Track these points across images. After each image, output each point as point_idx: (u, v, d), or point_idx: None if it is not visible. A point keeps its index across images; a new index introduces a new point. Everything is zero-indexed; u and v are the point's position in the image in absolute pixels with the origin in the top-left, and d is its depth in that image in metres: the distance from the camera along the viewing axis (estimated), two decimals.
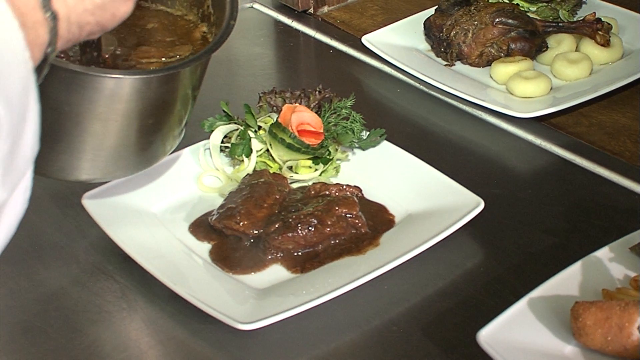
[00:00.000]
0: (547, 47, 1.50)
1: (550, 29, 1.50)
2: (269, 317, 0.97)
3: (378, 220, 1.14)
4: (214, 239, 1.13)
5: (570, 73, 1.44)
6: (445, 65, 1.53)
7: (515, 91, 1.41)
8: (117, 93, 0.94)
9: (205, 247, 1.13)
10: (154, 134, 1.02)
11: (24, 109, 0.61)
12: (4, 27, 0.61)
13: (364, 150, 1.26)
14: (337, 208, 1.10)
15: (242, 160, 1.24)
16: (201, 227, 1.16)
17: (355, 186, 1.17)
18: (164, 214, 1.18)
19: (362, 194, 1.17)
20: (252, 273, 1.07)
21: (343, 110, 1.27)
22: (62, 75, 0.90)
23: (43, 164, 0.99)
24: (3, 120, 0.57)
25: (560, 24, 1.51)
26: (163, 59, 1.05)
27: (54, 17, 0.68)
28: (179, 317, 1.03)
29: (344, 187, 1.16)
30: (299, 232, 1.08)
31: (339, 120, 1.26)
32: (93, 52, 1.02)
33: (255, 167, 1.23)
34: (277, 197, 1.14)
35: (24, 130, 0.61)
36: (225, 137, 1.27)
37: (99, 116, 0.95)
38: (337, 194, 1.14)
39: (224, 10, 1.07)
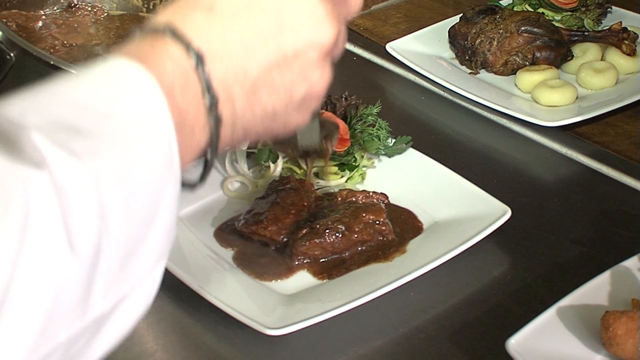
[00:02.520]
0: (573, 56, 1.50)
1: (576, 38, 1.50)
2: (297, 323, 0.97)
3: (406, 226, 1.14)
4: (238, 245, 1.14)
5: (596, 82, 1.44)
6: (470, 73, 1.53)
7: (541, 100, 1.41)
8: None
9: (231, 252, 1.13)
10: None
11: (150, 216, 0.54)
12: (157, 132, 0.55)
13: (390, 157, 1.26)
14: (364, 215, 1.10)
15: (268, 166, 1.24)
16: (226, 232, 1.16)
17: (381, 193, 1.17)
18: (190, 218, 1.18)
19: (389, 201, 1.17)
20: (279, 280, 1.08)
21: (369, 118, 1.27)
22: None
23: None
24: (113, 229, 0.51)
25: (585, 33, 1.50)
26: None
27: (218, 121, 0.60)
28: (206, 322, 1.03)
29: (371, 194, 1.16)
30: (327, 238, 1.08)
31: (365, 127, 1.26)
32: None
33: (281, 173, 1.23)
34: (305, 203, 1.14)
35: (147, 238, 0.54)
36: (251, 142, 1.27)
37: None
38: (363, 200, 1.14)
39: None
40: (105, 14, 1.17)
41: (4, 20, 1.08)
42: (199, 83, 0.59)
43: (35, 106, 0.52)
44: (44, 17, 1.14)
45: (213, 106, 0.59)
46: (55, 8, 1.17)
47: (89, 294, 0.50)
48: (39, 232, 0.48)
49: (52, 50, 1.08)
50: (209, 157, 0.62)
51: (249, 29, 0.61)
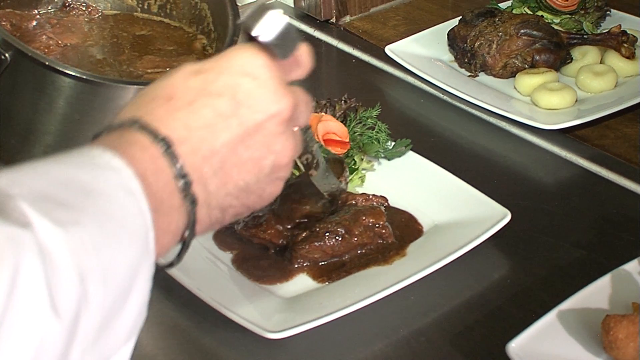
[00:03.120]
0: (572, 59, 1.50)
1: (575, 40, 1.50)
2: (297, 326, 0.97)
3: (406, 229, 1.14)
4: (238, 248, 1.13)
5: (595, 85, 1.44)
6: (469, 76, 1.53)
7: (540, 103, 1.41)
8: (123, 102, 0.95)
9: (230, 255, 1.13)
10: None
11: (127, 289, 0.56)
12: (126, 198, 0.58)
13: (389, 160, 1.26)
14: (364, 218, 1.10)
15: None
16: (226, 235, 1.16)
17: (381, 196, 1.17)
18: None
19: (388, 204, 1.17)
20: (278, 283, 1.07)
21: (369, 120, 1.27)
22: (70, 82, 0.90)
23: None
24: (92, 296, 0.53)
25: (585, 36, 1.50)
26: (168, 69, 1.05)
27: (193, 202, 0.63)
28: (206, 325, 1.03)
29: (370, 196, 1.16)
30: (327, 241, 1.08)
31: (364, 130, 1.26)
32: None
33: None
34: (304, 206, 1.14)
35: (122, 311, 0.56)
36: None
37: (103, 124, 0.96)
38: (363, 203, 1.14)
39: (226, 26, 1.07)
40: (100, 14, 1.17)
41: None
42: (170, 167, 0.62)
43: (20, 179, 0.55)
44: (38, 16, 1.14)
45: (187, 188, 0.62)
46: (49, 7, 1.17)
47: (67, 357, 0.52)
48: (26, 290, 0.49)
49: (46, 50, 1.08)
50: (187, 238, 0.64)
51: (209, 112, 0.64)
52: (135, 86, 0.94)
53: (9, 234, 0.50)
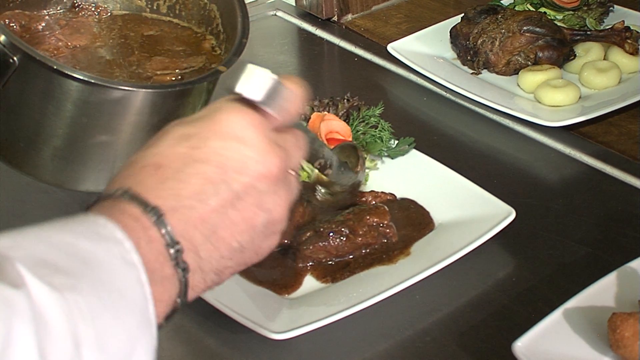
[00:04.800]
0: (575, 56, 1.49)
1: (578, 37, 1.49)
2: (301, 326, 0.96)
3: (418, 222, 1.13)
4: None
5: (599, 82, 1.43)
6: (472, 73, 1.52)
7: (544, 100, 1.40)
8: (131, 105, 0.94)
9: None
10: None
11: (126, 358, 0.56)
12: (126, 269, 0.58)
13: (392, 159, 1.25)
14: (368, 217, 1.09)
15: None
16: None
17: (390, 193, 1.17)
18: None
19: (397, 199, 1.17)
20: (286, 294, 1.06)
21: (371, 119, 1.27)
22: (79, 86, 0.90)
23: (53, 173, 0.99)
24: None
25: (588, 33, 1.50)
26: (177, 70, 1.05)
27: (185, 270, 0.63)
28: (210, 326, 1.02)
29: (379, 193, 1.16)
30: (331, 241, 1.07)
31: (367, 129, 1.26)
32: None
33: None
34: (307, 206, 1.14)
35: None
36: None
37: (116, 128, 0.96)
38: (373, 201, 1.14)
39: (235, 28, 1.07)
40: (109, 14, 1.16)
41: (7, 21, 1.08)
42: (161, 237, 0.62)
43: (21, 242, 0.55)
44: (47, 17, 1.13)
45: (179, 256, 0.62)
46: (58, 8, 1.16)
47: None
48: (18, 354, 0.49)
49: (55, 52, 1.08)
50: (178, 305, 0.64)
51: (197, 179, 0.64)
52: (143, 89, 0.94)
53: (2, 295, 0.50)
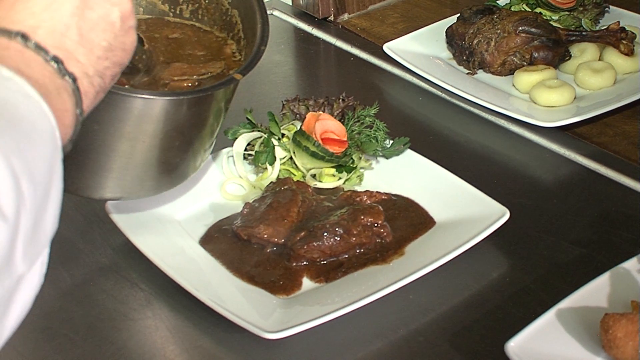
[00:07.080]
0: (570, 56, 1.49)
1: (574, 37, 1.49)
2: (295, 326, 0.96)
3: (415, 221, 1.13)
4: (234, 247, 1.13)
5: (594, 82, 1.43)
6: (467, 73, 1.52)
7: (539, 100, 1.40)
8: (147, 113, 0.95)
9: (226, 255, 1.12)
10: (183, 152, 1.02)
11: (48, 185, 0.61)
12: (27, 101, 0.61)
13: (387, 158, 1.26)
14: (362, 217, 1.10)
15: (266, 168, 1.24)
16: (223, 235, 1.15)
17: (385, 193, 1.17)
18: (188, 221, 1.18)
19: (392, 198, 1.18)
20: (285, 295, 1.06)
21: (367, 119, 1.27)
22: None
23: (69, 182, 0.99)
24: (27, 195, 0.57)
25: (583, 33, 1.50)
26: (195, 76, 1.05)
27: (72, 77, 0.67)
28: (204, 326, 1.03)
29: (375, 193, 1.16)
30: (325, 241, 1.07)
31: (362, 129, 1.26)
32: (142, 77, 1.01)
33: (278, 175, 1.23)
34: (301, 205, 1.14)
35: (47, 207, 0.61)
36: (248, 144, 1.26)
37: (127, 136, 0.96)
38: (368, 201, 1.14)
39: (255, 34, 1.07)
40: None
41: None
42: (37, 54, 0.65)
43: None
44: None
45: (61, 67, 0.66)
46: None
47: (13, 254, 0.56)
48: None
49: None
50: (79, 117, 0.68)
51: None
52: (156, 97, 0.94)
53: None
